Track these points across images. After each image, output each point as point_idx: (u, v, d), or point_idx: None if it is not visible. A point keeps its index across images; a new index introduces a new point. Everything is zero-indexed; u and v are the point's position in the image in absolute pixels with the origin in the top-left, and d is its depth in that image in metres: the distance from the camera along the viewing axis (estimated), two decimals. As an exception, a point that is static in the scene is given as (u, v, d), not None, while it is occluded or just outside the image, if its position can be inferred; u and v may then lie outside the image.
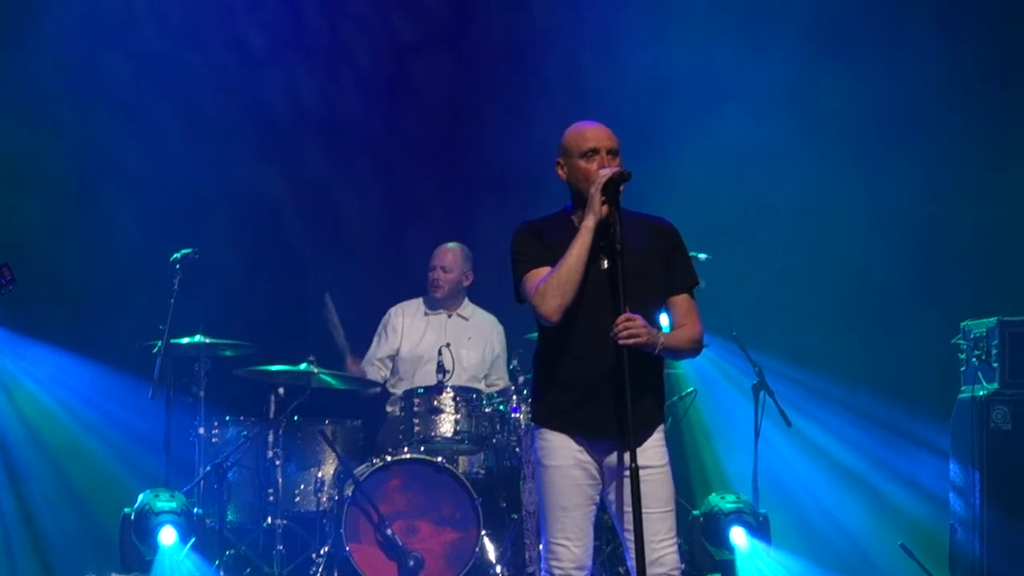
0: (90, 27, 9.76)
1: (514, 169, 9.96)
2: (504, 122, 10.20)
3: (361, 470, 8.55)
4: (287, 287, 10.07)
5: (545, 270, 5.74)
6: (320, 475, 8.84)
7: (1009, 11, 9.96)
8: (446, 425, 8.66)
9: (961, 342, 8.99)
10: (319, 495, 8.77)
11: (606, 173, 5.71)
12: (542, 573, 5.88)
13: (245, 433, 8.84)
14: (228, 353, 9.01)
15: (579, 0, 10.34)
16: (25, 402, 9.53)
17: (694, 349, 5.93)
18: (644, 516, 5.59)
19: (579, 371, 5.76)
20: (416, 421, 8.67)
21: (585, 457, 5.79)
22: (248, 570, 8.74)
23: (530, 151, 9.47)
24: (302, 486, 8.89)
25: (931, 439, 9.47)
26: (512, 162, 9.99)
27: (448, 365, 8.70)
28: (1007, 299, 9.23)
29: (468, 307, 9.44)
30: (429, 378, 8.90)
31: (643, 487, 5.60)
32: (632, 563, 5.66)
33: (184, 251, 8.83)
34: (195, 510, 8.52)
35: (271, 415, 8.76)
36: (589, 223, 5.71)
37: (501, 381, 9.33)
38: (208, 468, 8.71)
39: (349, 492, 8.43)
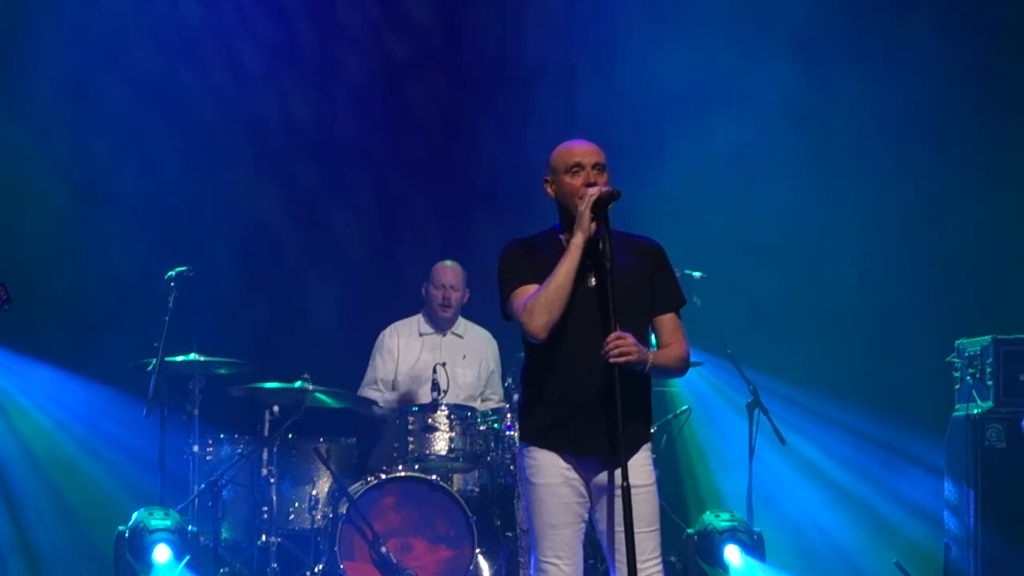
0: (85, 46, 9.79)
1: (507, 185, 9.97)
2: (497, 138, 10.22)
3: (355, 488, 8.53)
4: (281, 305, 10.07)
5: (533, 287, 5.73)
6: (315, 493, 8.83)
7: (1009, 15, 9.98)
8: (440, 443, 8.65)
9: (955, 360, 9.00)
10: (313, 513, 8.78)
11: (595, 192, 5.70)
12: (533, 592, 5.87)
13: (239, 451, 8.82)
14: (223, 371, 8.99)
15: (572, 17, 10.34)
16: (20, 420, 9.54)
17: (681, 368, 5.94)
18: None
19: (567, 389, 5.75)
20: (411, 439, 8.66)
21: (573, 475, 5.78)
22: (242, 588, 8.75)
23: (523, 167, 9.46)
24: (296, 504, 8.87)
25: (926, 457, 9.46)
26: (505, 178, 10.01)
27: (444, 384, 8.69)
28: (1001, 318, 9.22)
29: (462, 324, 9.42)
30: (428, 398, 8.87)
31: (630, 505, 5.58)
32: (618, 582, 5.65)
33: (179, 269, 8.84)
34: (189, 528, 8.51)
35: (265, 433, 8.75)
36: (578, 240, 5.69)
37: (496, 396, 9.32)
38: (202, 486, 8.70)
39: (343, 510, 8.41)
